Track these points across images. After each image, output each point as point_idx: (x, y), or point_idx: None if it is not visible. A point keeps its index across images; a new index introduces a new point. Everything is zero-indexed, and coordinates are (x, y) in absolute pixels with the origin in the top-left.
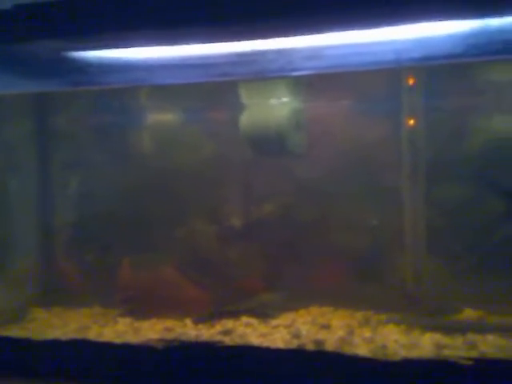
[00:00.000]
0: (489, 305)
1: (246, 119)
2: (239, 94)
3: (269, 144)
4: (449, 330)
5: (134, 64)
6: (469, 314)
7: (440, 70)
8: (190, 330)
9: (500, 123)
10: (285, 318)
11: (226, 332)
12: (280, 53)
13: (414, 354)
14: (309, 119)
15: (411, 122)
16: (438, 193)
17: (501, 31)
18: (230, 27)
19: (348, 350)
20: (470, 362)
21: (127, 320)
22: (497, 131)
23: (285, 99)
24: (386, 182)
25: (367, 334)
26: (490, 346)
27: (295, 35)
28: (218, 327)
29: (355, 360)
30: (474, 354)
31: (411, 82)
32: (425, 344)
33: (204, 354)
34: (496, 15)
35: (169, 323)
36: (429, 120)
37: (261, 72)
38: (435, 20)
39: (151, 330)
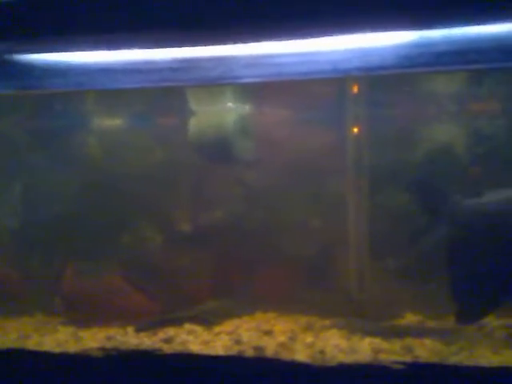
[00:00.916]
0: (429, 309)
1: (194, 125)
2: (188, 100)
3: (216, 150)
4: (389, 334)
5: (76, 68)
6: (410, 318)
7: (384, 80)
8: (131, 339)
9: (441, 133)
10: (229, 325)
11: (168, 340)
12: (220, 60)
13: (351, 358)
14: (257, 126)
15: (355, 130)
16: (381, 199)
17: (439, 44)
18: (171, 33)
19: (286, 356)
20: (403, 366)
21: (69, 329)
22: (438, 141)
23: (233, 106)
24: (332, 188)
25: (309, 339)
26: (425, 350)
27: (236, 43)
28: (161, 335)
29: (290, 365)
30: (408, 358)
31: (356, 91)
32: (363, 349)
33: (140, 362)
34: (433, 27)
35: (111, 331)
36: (373, 129)
37: (201, 79)
38: (373, 31)
39: (92, 339)
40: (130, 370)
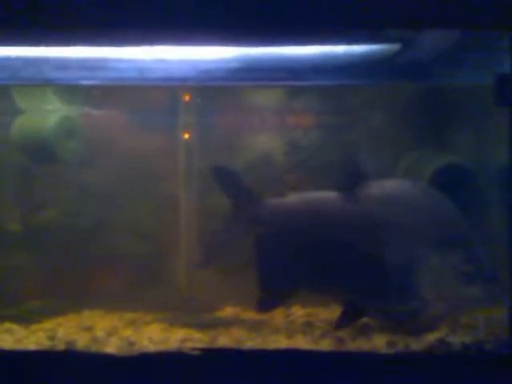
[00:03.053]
0: (248, 302)
1: (19, 124)
2: (15, 99)
3: (40, 150)
4: (205, 326)
5: None
6: (229, 310)
7: (214, 91)
8: None
9: (262, 142)
10: (50, 323)
11: None
12: (29, 61)
13: (156, 347)
14: (87, 128)
15: (186, 136)
16: (209, 201)
17: (261, 60)
18: None
19: (94, 348)
20: (198, 352)
21: None
22: (259, 149)
23: (61, 106)
24: (164, 190)
25: (127, 333)
26: (229, 337)
27: (48, 45)
28: None
29: (91, 356)
30: (210, 345)
31: (187, 99)
32: (173, 339)
33: None
34: (256, 45)
35: None
36: (202, 135)
37: (7, 79)
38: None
39: None
40: None
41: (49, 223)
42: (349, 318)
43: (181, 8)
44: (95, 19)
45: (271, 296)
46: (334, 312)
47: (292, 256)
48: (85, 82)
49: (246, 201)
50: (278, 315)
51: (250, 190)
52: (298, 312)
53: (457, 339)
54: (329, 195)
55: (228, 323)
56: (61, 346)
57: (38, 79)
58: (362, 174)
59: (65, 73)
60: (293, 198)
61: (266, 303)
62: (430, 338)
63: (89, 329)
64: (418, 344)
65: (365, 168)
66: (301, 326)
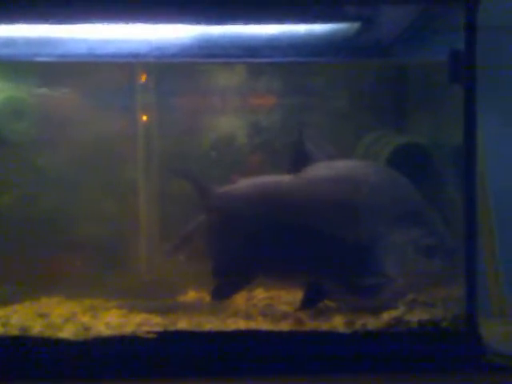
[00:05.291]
0: (211, 286)
1: None
2: None
3: None
4: (165, 310)
5: None
6: (192, 295)
7: (173, 71)
8: None
9: (224, 123)
10: (4, 310)
11: None
12: None
13: (111, 332)
14: (38, 108)
15: (145, 118)
16: (169, 186)
17: (220, 38)
18: None
19: (48, 334)
20: (152, 335)
21: None
22: (223, 130)
23: (7, 86)
24: (124, 174)
25: (85, 319)
26: (187, 321)
27: None
28: None
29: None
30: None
31: (144, 79)
32: (130, 324)
33: None
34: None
35: None
36: (162, 117)
37: None
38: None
39: None
40: None
41: (4, 208)
42: (311, 300)
43: None
44: None
45: (226, 284)
46: (296, 294)
47: (246, 243)
48: (36, 59)
49: (196, 190)
50: (239, 299)
51: (199, 179)
52: (260, 295)
53: (414, 317)
54: (279, 178)
55: (189, 308)
56: (14, 333)
57: None
58: (308, 155)
59: (11, 50)
60: (243, 184)
61: (220, 291)
62: (387, 316)
63: (45, 315)
64: (375, 323)
65: (312, 149)
66: (261, 309)
